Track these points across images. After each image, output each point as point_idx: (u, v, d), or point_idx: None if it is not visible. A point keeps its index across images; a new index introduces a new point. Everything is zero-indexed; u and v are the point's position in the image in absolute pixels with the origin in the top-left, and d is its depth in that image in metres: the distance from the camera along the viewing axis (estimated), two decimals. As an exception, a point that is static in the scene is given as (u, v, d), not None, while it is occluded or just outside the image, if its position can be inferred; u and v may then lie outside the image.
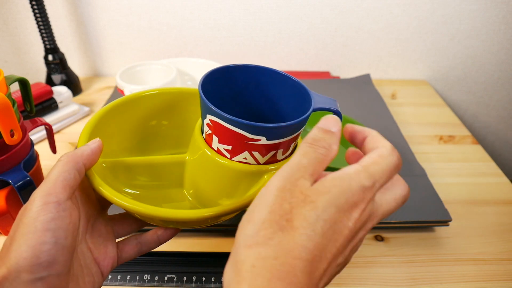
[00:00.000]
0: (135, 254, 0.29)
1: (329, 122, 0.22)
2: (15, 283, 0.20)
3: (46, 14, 0.65)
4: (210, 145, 0.30)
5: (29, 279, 0.20)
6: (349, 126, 0.25)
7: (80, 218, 0.24)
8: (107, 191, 0.26)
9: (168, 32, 0.76)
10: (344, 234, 0.19)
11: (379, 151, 0.21)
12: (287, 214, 0.19)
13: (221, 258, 0.40)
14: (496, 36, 0.75)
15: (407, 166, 0.52)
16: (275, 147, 0.28)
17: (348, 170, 0.20)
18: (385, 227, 0.44)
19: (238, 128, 0.26)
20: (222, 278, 0.19)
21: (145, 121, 0.37)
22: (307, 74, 0.80)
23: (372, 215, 0.21)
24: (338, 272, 0.21)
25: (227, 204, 0.27)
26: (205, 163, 0.30)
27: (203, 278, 0.38)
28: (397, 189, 0.22)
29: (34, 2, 0.62)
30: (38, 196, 0.22)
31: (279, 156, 0.29)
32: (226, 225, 0.42)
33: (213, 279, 0.38)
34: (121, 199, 0.26)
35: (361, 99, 0.69)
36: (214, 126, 0.28)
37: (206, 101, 0.27)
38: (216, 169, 0.30)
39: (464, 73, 0.80)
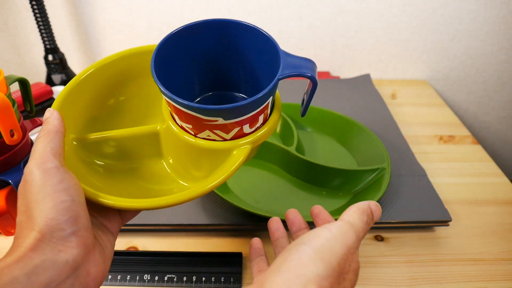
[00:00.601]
0: (135, 213, 0.31)
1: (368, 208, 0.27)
2: (52, 243, 0.21)
3: (46, 14, 0.65)
4: (175, 120, 0.29)
5: (63, 235, 0.22)
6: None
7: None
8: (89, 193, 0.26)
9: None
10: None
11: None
12: (345, 274, 0.23)
13: (221, 258, 0.40)
14: (496, 36, 0.75)
15: (407, 166, 0.52)
16: (237, 124, 0.26)
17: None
18: (385, 227, 0.44)
19: (191, 111, 0.25)
20: None
21: (107, 97, 0.34)
22: (307, 74, 0.80)
23: None
24: None
25: (196, 187, 0.27)
26: (172, 137, 0.30)
27: (203, 278, 0.38)
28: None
29: (34, 2, 0.62)
30: (35, 167, 0.23)
31: (246, 130, 0.28)
32: (226, 225, 0.42)
33: (213, 279, 0.38)
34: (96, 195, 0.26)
35: (361, 99, 0.69)
36: (171, 106, 0.27)
37: (157, 81, 0.25)
38: (183, 145, 0.29)
39: (464, 73, 0.80)
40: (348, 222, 0.24)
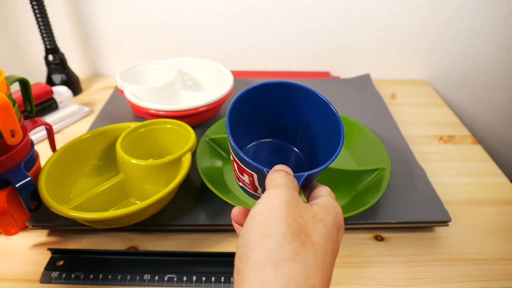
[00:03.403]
0: None
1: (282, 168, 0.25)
2: None
3: (46, 14, 0.65)
4: None
5: None
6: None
7: None
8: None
9: (168, 32, 0.76)
10: (337, 252, 0.21)
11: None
12: (303, 228, 0.20)
13: (221, 258, 0.40)
14: (496, 36, 0.75)
15: (407, 166, 0.52)
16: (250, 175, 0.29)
17: (328, 199, 0.23)
18: (385, 227, 0.44)
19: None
20: None
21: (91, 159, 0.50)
22: (307, 74, 0.80)
23: None
24: None
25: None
26: (139, 174, 0.44)
27: (203, 278, 0.38)
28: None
29: (34, 2, 0.62)
30: None
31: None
32: (226, 225, 0.42)
33: (213, 279, 0.38)
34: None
35: (361, 99, 0.69)
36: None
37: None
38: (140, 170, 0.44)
39: (464, 73, 0.80)
40: (269, 185, 0.23)
